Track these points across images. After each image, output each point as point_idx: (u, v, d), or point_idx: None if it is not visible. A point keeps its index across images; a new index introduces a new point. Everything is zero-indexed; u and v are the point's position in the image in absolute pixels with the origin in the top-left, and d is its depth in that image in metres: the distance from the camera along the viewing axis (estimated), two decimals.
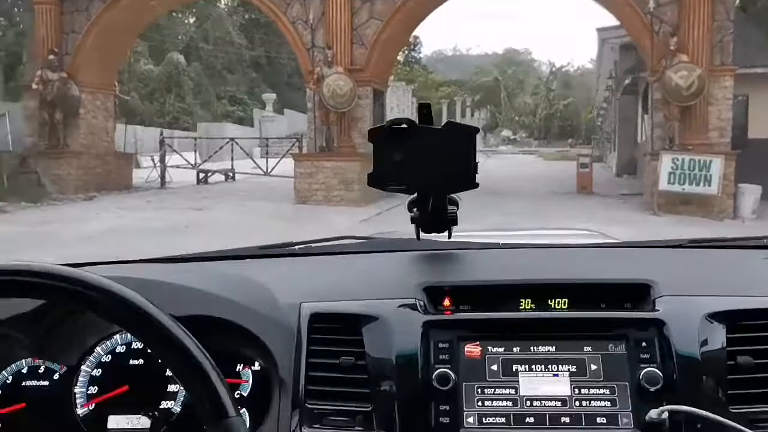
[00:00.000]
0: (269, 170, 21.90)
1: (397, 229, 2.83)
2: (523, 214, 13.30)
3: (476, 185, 1.19)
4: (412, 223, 1.38)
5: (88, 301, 0.86)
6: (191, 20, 44.17)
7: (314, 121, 16.48)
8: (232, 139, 24.39)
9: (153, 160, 22.38)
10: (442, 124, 1.19)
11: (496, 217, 11.95)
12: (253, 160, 23.46)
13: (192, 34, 42.70)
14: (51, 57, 16.94)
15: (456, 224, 1.37)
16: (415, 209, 1.35)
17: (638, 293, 1.20)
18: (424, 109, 1.22)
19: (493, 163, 26.58)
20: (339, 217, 13.41)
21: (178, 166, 22.16)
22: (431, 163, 1.20)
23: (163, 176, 20.95)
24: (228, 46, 42.85)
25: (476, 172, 1.19)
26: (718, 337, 1.11)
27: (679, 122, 14.53)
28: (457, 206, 1.35)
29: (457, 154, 1.20)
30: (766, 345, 1.11)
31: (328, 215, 13.86)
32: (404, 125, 1.20)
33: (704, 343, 1.11)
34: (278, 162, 21.74)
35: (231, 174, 22.95)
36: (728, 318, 1.13)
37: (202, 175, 22.10)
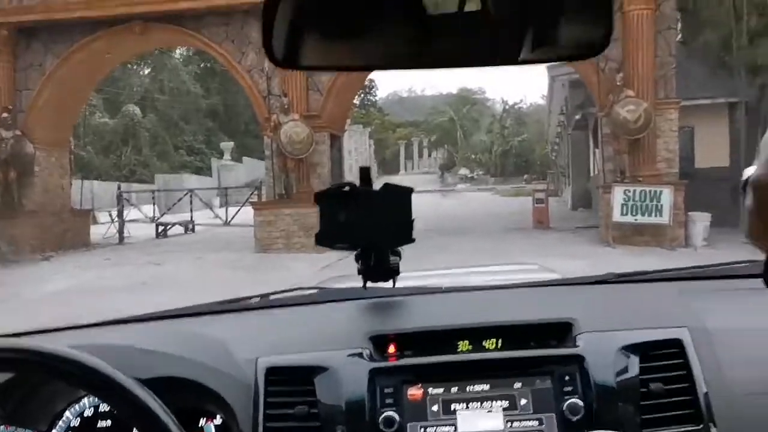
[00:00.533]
0: (229, 220, 21.88)
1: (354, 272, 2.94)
2: (479, 253, 13.48)
3: (412, 240, 1.32)
4: (358, 274, 1.49)
5: (60, 373, 0.95)
6: (146, 71, 44.23)
7: (272, 168, 16.58)
8: (190, 190, 24.34)
9: (111, 215, 22.14)
10: (381, 186, 1.32)
11: (452, 255, 12.11)
12: (213, 211, 23.44)
13: (147, 86, 42.74)
14: (4, 115, 16.80)
15: (398, 274, 1.48)
16: (360, 261, 1.46)
17: (561, 331, 1.32)
18: (364, 173, 1.35)
19: (451, 202, 26.94)
20: (300, 265, 13.43)
21: (136, 220, 21.99)
22: (372, 222, 1.32)
23: (121, 231, 20.74)
24: (184, 96, 42.93)
25: (412, 229, 1.31)
26: (632, 367, 1.24)
27: (629, 155, 14.96)
28: (400, 257, 1.47)
29: (395, 213, 1.32)
30: (675, 372, 1.24)
31: (289, 263, 13.88)
32: (347, 188, 1.32)
33: (619, 373, 1.23)
34: (238, 211, 21.72)
35: (190, 226, 22.82)
36: (641, 349, 1.26)
37: (161, 228, 21.92)
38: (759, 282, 0.71)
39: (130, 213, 22.05)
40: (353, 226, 1.33)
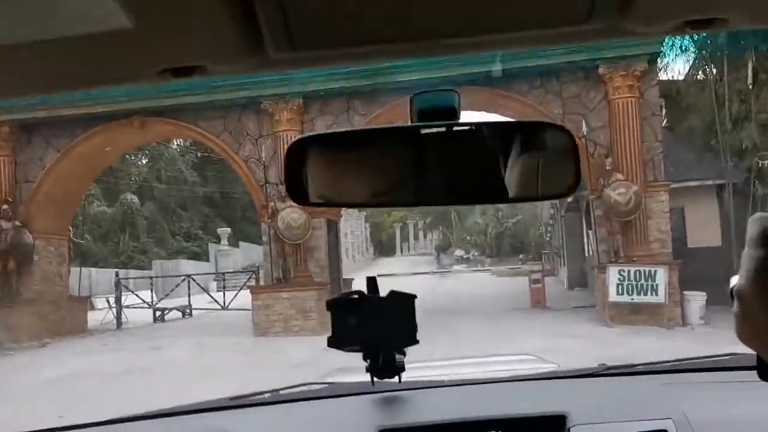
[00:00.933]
0: (226, 304, 21.85)
1: (355, 362, 3.04)
2: (479, 333, 13.50)
3: (416, 342, 1.47)
4: (366, 371, 1.62)
5: None
6: (144, 161, 44.88)
7: (270, 253, 16.73)
8: (188, 275, 24.39)
9: (108, 301, 22.16)
10: (387, 293, 1.48)
11: (452, 337, 12.12)
12: (210, 295, 23.42)
13: (145, 175, 43.29)
14: (5, 207, 17.06)
15: (404, 371, 1.62)
16: (368, 360, 1.60)
17: (555, 424, 1.45)
18: (371, 282, 1.51)
19: (448, 282, 27.00)
20: (299, 348, 13.40)
21: (134, 306, 21.97)
22: (378, 326, 1.47)
23: (119, 317, 20.71)
24: (181, 184, 43.46)
25: (416, 331, 1.46)
26: None
27: (622, 236, 15.17)
28: (404, 355, 1.61)
29: (399, 317, 1.48)
30: None
31: (288, 346, 13.84)
32: (355, 296, 1.47)
33: None
34: (236, 295, 21.74)
35: (188, 310, 22.79)
36: None
37: (158, 313, 21.91)
38: (740, 374, 0.82)
39: (127, 299, 22.06)
40: (362, 330, 1.48)
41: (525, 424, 1.46)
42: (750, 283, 0.62)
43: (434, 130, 1.06)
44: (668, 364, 1.82)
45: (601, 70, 15.25)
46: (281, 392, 1.88)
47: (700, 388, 1.60)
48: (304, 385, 1.89)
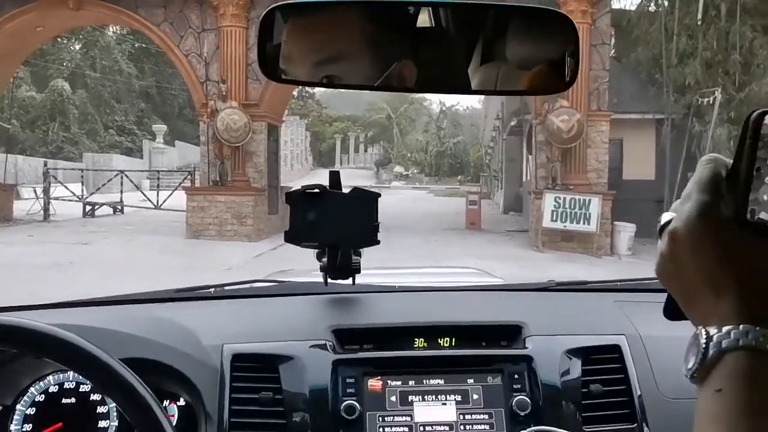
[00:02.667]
0: (160, 204, 21.49)
1: (292, 266, 3.00)
2: (416, 249, 13.67)
3: (378, 242, 1.40)
4: (321, 271, 1.56)
5: (40, 349, 0.99)
6: (77, 47, 42.82)
7: (208, 154, 16.37)
8: (121, 171, 23.78)
9: (35, 191, 21.45)
10: (350, 190, 1.40)
11: (388, 253, 12.23)
12: (143, 193, 22.95)
13: (78, 61, 41.37)
14: None
15: (359, 272, 1.56)
16: (324, 259, 1.54)
17: (512, 333, 1.43)
18: (333, 176, 1.42)
19: (385, 198, 26.99)
20: (233, 252, 13.34)
21: (63, 198, 21.36)
22: (339, 223, 1.40)
23: (46, 209, 20.13)
24: (116, 75, 41.75)
25: (378, 231, 1.40)
26: (575, 369, 1.36)
27: (561, 163, 15.39)
28: (360, 256, 1.55)
29: (361, 216, 1.40)
30: (613, 375, 1.37)
31: (221, 250, 13.76)
32: (317, 190, 1.39)
33: (564, 374, 1.34)
34: (169, 195, 21.36)
35: (119, 207, 22.32)
36: (583, 353, 1.38)
37: (88, 207, 21.37)
38: None
39: (56, 190, 21.40)
40: (321, 226, 1.40)
41: (480, 332, 1.44)
42: (686, 225, 0.60)
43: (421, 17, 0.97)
44: (620, 283, 1.83)
45: None
46: (227, 288, 1.81)
47: (652, 306, 1.60)
48: (252, 282, 1.82)
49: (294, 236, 1.40)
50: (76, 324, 1.34)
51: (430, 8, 0.98)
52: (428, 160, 48.33)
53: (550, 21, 0.96)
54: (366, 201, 1.42)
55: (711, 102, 15.74)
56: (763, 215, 0.57)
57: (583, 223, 14.77)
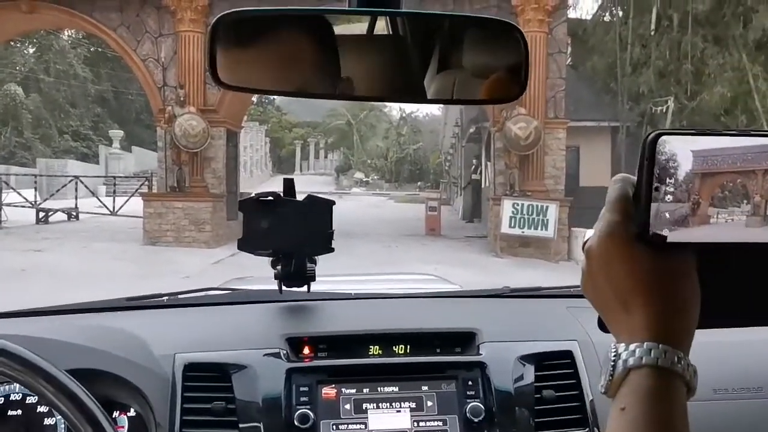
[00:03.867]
0: (116, 210, 21.14)
1: (251, 273, 2.97)
2: (375, 256, 13.68)
3: (332, 250, 1.40)
4: (275, 279, 1.55)
5: None
6: (31, 51, 41.97)
7: (165, 160, 16.15)
8: (75, 177, 23.32)
9: None
10: (304, 197, 1.39)
11: (350, 259, 12.21)
12: (99, 199, 22.54)
13: (31, 65, 40.52)
14: None
15: (314, 280, 1.56)
16: (278, 267, 1.53)
17: (466, 340, 1.44)
18: (287, 183, 1.42)
19: (347, 205, 27.09)
20: (191, 259, 13.18)
21: (15, 204, 20.85)
22: (294, 230, 1.40)
23: None
24: (71, 79, 40.98)
25: (332, 239, 1.40)
26: (528, 375, 1.37)
27: (519, 170, 15.55)
28: (316, 264, 1.55)
29: (316, 223, 1.40)
30: (565, 380, 1.38)
31: (179, 257, 13.59)
32: (270, 197, 1.38)
33: (517, 380, 1.36)
34: (126, 201, 21.02)
35: (74, 213, 21.87)
36: (536, 359, 1.40)
37: (42, 214, 20.90)
38: None
39: (8, 196, 20.89)
40: (275, 234, 1.40)
41: (435, 339, 1.45)
42: (598, 243, 0.64)
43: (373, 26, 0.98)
44: (572, 289, 1.85)
45: (514, 1, 15.27)
46: (180, 296, 1.79)
47: None
48: (206, 290, 1.80)
49: (247, 244, 1.39)
50: (22, 334, 1.31)
51: (387, 17, 0.99)
52: (388, 167, 48.41)
53: (500, 31, 0.97)
54: (320, 208, 1.42)
55: (664, 110, 16.10)
56: (664, 231, 0.59)
57: (541, 229, 14.95)
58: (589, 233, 0.66)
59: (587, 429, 1.33)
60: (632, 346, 0.60)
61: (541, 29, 15.38)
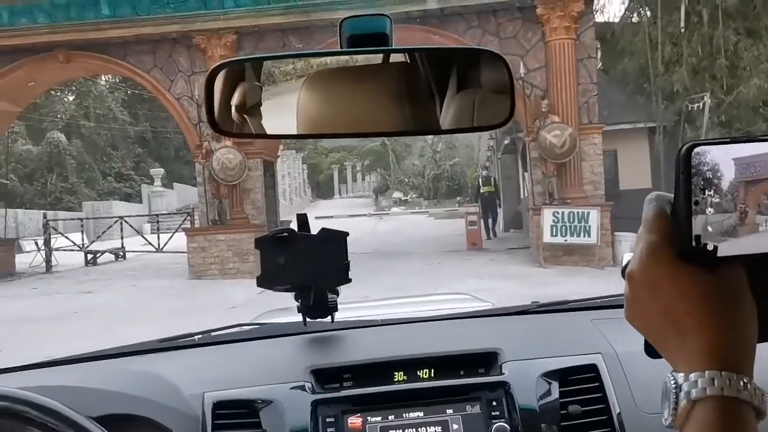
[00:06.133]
0: (161, 247, 21.52)
1: (292, 303, 3.00)
2: (416, 275, 13.66)
3: (349, 280, 1.43)
4: (298, 312, 1.58)
5: (13, 414, 1.01)
6: (71, 98, 43.17)
7: (205, 194, 16.45)
8: (120, 217, 23.84)
9: (36, 243, 21.50)
10: (318, 231, 1.42)
11: (390, 279, 12.23)
12: (144, 237, 22.99)
13: (72, 112, 41.65)
14: None
15: (336, 310, 1.58)
16: (299, 300, 1.56)
17: (488, 360, 1.45)
18: (301, 219, 1.45)
19: (385, 225, 27.15)
20: (236, 290, 13.32)
21: (64, 249, 21.39)
22: (310, 264, 1.43)
23: (48, 260, 20.16)
24: (111, 122, 42.01)
25: (348, 269, 1.42)
26: (553, 391, 1.37)
27: (557, 178, 15.44)
28: (338, 294, 1.57)
29: (331, 256, 1.43)
30: (591, 394, 1.38)
31: (224, 289, 13.75)
32: (285, 234, 1.42)
33: (541, 397, 1.36)
34: (170, 237, 21.40)
35: (121, 253, 22.34)
36: (560, 375, 1.39)
37: (90, 256, 21.39)
38: None
39: (57, 241, 21.44)
40: (292, 269, 1.43)
41: (457, 361, 1.46)
42: (640, 266, 0.61)
43: (364, 57, 1.00)
44: (599, 300, 1.84)
45: (539, 11, 15.24)
46: (212, 334, 1.83)
47: (627, 324, 1.62)
48: (236, 326, 1.84)
49: (265, 280, 1.43)
50: (54, 385, 1.36)
51: (379, 55, 1.01)
52: (426, 184, 48.38)
53: (486, 60, 0.99)
54: (334, 241, 1.45)
55: (701, 107, 15.82)
56: (709, 248, 0.56)
57: (584, 236, 14.78)
58: (628, 257, 0.64)
59: None
60: (693, 376, 0.57)
61: (568, 36, 15.32)
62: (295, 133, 0.98)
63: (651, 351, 0.65)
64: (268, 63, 1.02)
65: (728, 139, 0.58)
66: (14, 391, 1.01)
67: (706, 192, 0.57)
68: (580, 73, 15.58)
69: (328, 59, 1.03)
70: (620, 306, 1.75)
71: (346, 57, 1.03)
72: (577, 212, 14.90)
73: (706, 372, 0.56)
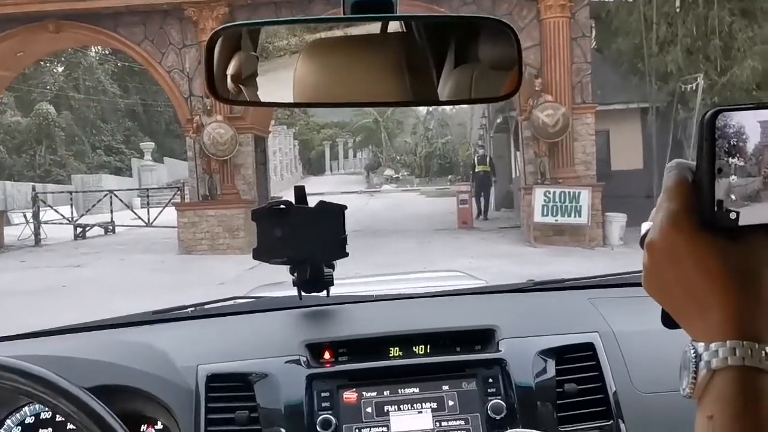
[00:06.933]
0: (151, 221, 21.42)
1: (284, 278, 2.99)
2: (407, 252, 13.68)
3: (346, 254, 1.40)
4: (294, 285, 1.56)
5: (6, 383, 0.99)
6: (60, 69, 42.72)
7: (196, 169, 16.36)
8: (110, 191, 23.69)
9: (25, 216, 21.35)
10: (316, 203, 1.40)
11: (382, 256, 12.23)
12: (134, 212, 22.87)
13: (61, 84, 41.24)
14: None
15: (332, 285, 1.56)
16: (295, 273, 1.54)
17: (485, 337, 1.43)
18: (299, 191, 1.43)
19: (377, 202, 27.12)
20: (226, 266, 13.31)
21: (53, 222, 21.27)
22: (307, 237, 1.40)
23: (37, 233, 20.03)
24: (101, 95, 41.64)
25: (346, 243, 1.40)
26: (549, 369, 1.36)
27: (548, 157, 15.43)
28: (333, 269, 1.55)
29: (328, 229, 1.41)
30: (587, 373, 1.37)
31: (214, 264, 13.74)
32: (282, 206, 1.39)
33: (538, 375, 1.35)
34: (160, 212, 21.31)
35: (111, 227, 22.25)
36: (556, 353, 1.38)
37: (79, 229, 21.29)
38: None
39: (46, 214, 21.30)
40: (289, 242, 1.41)
41: (454, 337, 1.45)
42: (661, 236, 0.59)
43: (362, 28, 0.98)
44: (595, 279, 1.83)
45: None
46: (206, 306, 1.81)
47: (625, 302, 1.62)
48: (230, 299, 1.82)
49: (262, 253, 1.41)
50: (48, 354, 1.34)
51: (380, 23, 0.99)
52: (418, 162, 48.30)
53: (493, 30, 0.97)
54: (332, 214, 1.42)
55: (694, 88, 15.80)
56: (731, 216, 0.55)
57: (574, 216, 14.81)
58: (647, 225, 0.62)
59: (611, 421, 1.32)
60: (713, 346, 0.56)
61: (563, 14, 15.23)
62: (293, 101, 0.96)
63: (668, 321, 0.63)
64: (268, 30, 1.00)
65: (753, 104, 0.56)
66: (2, 358, 0.99)
67: (730, 157, 0.55)
68: (574, 52, 15.53)
69: (324, 32, 1.00)
70: (618, 285, 1.74)
71: (342, 29, 1.00)
72: (569, 192, 14.91)
73: (728, 342, 0.55)
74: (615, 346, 1.40)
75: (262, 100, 0.98)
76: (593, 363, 1.38)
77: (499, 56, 0.96)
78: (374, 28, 1.00)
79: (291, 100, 0.95)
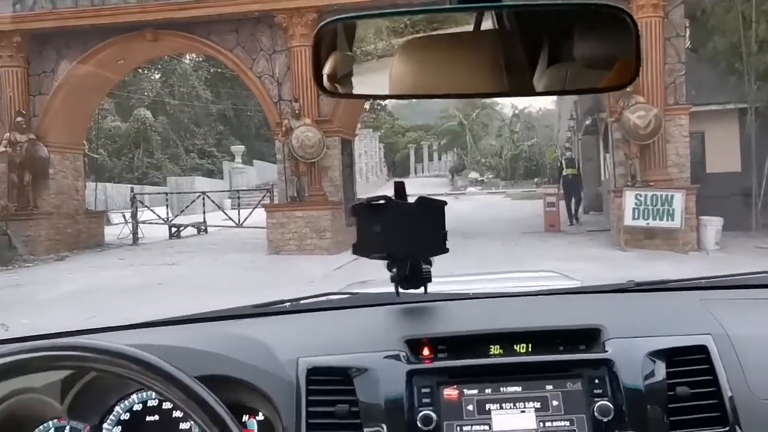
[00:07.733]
0: (241, 222, 21.99)
1: (371, 277, 3.00)
2: (495, 256, 13.53)
3: (446, 250, 1.39)
4: (392, 281, 1.56)
5: (123, 370, 1.03)
6: (157, 76, 44.42)
7: (284, 171, 16.69)
8: (203, 192, 24.47)
9: (124, 216, 22.33)
10: (416, 199, 1.39)
11: (469, 259, 12.13)
12: (225, 213, 23.54)
13: (158, 90, 42.89)
14: (18, 119, 16.95)
15: (430, 281, 1.55)
16: (394, 269, 1.53)
17: (590, 336, 1.39)
18: (398, 186, 1.42)
19: (462, 205, 26.97)
20: (313, 266, 13.51)
21: (150, 222, 22.15)
22: (406, 233, 1.40)
23: (135, 232, 20.92)
24: (194, 100, 43.08)
25: (446, 240, 1.39)
26: (659, 371, 1.31)
27: (640, 160, 14.98)
28: (431, 265, 1.54)
29: (428, 225, 1.40)
30: (700, 377, 1.31)
31: (302, 265, 13.97)
32: (382, 201, 1.39)
33: (647, 377, 1.30)
34: (250, 213, 21.83)
35: (203, 227, 22.97)
36: (667, 355, 1.33)
37: (174, 229, 22.09)
38: None
39: (143, 214, 22.22)
40: (389, 237, 1.40)
41: (557, 337, 1.41)
42: None
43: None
44: (703, 280, 1.75)
45: None
46: (302, 302, 1.83)
47: (739, 304, 1.54)
48: (327, 294, 1.84)
49: (362, 248, 1.41)
50: (156, 344, 1.39)
51: (492, 12, 0.97)
52: (503, 164, 47.79)
53: (609, 17, 0.94)
54: (432, 210, 1.41)
55: None
56: None
57: (667, 220, 14.31)
58: None
59: (727, 427, 1.25)
60: None
61: (656, 14, 14.76)
62: (391, 93, 0.96)
63: None
64: (358, 34, 1.00)
65: None
66: (116, 345, 1.02)
67: None
68: (667, 52, 15.04)
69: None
70: (731, 287, 1.66)
71: (436, 27, 1.00)
72: (661, 195, 14.44)
73: None
74: (730, 349, 1.34)
75: (362, 93, 0.98)
76: (707, 366, 1.32)
77: (614, 45, 0.93)
78: (467, 26, 0.99)
79: (388, 93, 0.95)
